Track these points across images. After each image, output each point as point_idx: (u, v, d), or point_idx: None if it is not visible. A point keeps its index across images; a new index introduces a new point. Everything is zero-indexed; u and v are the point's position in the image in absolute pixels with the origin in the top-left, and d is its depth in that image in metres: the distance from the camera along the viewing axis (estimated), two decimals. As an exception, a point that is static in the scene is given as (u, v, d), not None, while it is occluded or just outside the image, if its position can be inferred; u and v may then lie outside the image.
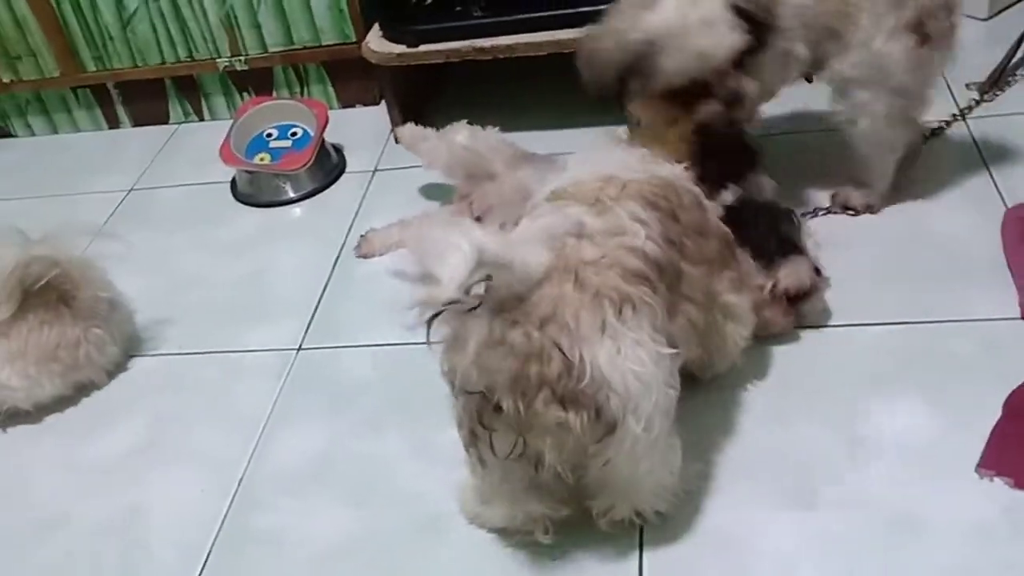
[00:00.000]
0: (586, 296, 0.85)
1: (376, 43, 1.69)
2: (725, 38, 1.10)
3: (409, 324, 0.79)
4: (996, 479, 0.99)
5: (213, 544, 1.10)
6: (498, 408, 0.83)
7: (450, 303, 0.77)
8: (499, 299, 0.81)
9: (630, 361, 0.83)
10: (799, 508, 1.00)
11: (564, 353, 0.82)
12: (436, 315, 0.79)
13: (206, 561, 1.08)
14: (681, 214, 0.99)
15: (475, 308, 0.79)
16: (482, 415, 0.85)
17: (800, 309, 1.19)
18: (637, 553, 0.99)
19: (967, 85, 1.61)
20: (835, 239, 1.30)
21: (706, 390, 1.13)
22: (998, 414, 1.05)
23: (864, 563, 0.94)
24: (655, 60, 1.11)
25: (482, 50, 1.60)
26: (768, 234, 1.16)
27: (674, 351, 0.89)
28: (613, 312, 0.84)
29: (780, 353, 1.19)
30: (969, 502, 0.97)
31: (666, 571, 0.97)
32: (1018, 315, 1.17)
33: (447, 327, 0.82)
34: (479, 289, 0.79)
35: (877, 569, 0.93)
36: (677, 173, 1.05)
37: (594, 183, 0.98)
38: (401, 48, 1.65)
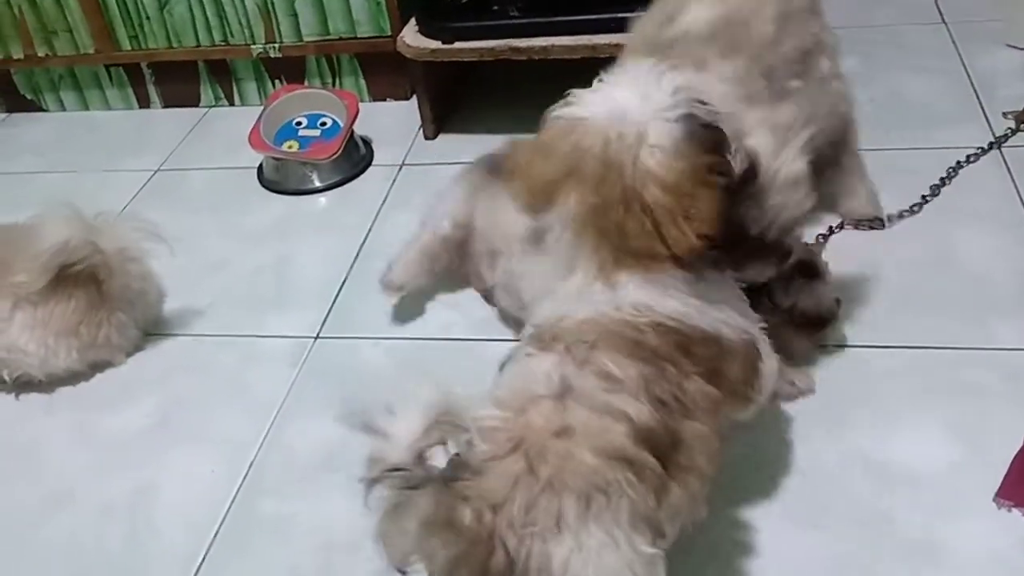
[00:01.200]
0: (540, 484, 0.72)
1: (411, 38, 1.69)
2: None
3: (358, 477, 0.71)
4: (1014, 510, 0.98)
5: (220, 527, 1.10)
6: None
7: (396, 470, 0.69)
8: (456, 471, 0.71)
9: (592, 567, 0.71)
10: (815, 529, 0.99)
11: (507, 550, 0.71)
12: (377, 479, 0.70)
13: (212, 543, 1.09)
14: (693, 348, 0.82)
15: (420, 485, 0.69)
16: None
17: (819, 333, 1.17)
18: None
19: (1004, 114, 1.59)
20: (861, 262, 1.29)
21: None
22: (1018, 445, 1.04)
23: (877, 587, 0.93)
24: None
25: (517, 50, 1.60)
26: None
27: (656, 551, 0.75)
28: (577, 506, 0.71)
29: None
30: (985, 531, 0.96)
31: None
32: (1044, 347, 1.16)
33: (389, 493, 0.71)
34: (434, 453, 0.69)
35: (890, 594, 0.92)
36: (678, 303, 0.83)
37: (575, 322, 0.82)
38: (436, 44, 1.65)
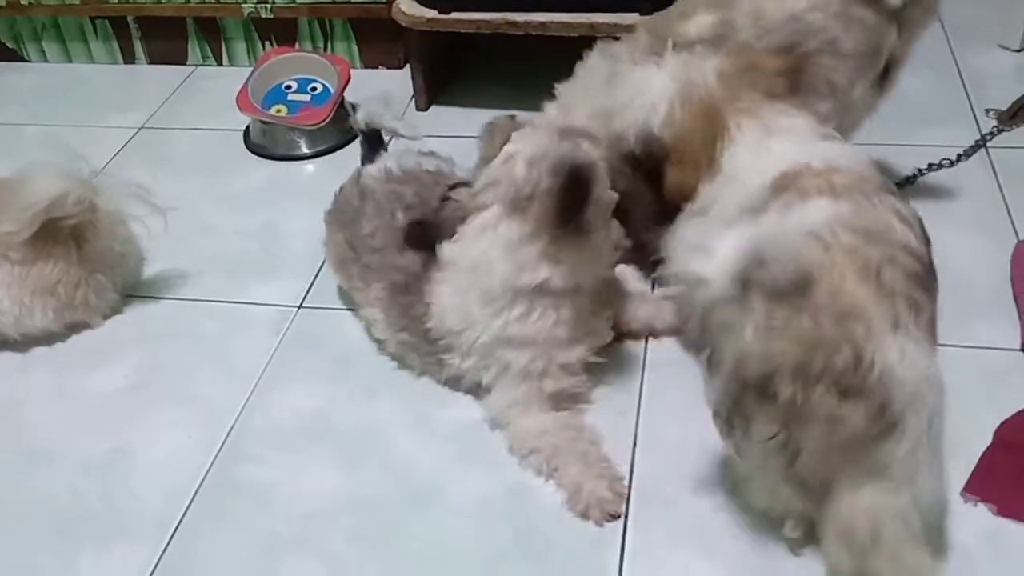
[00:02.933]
0: (882, 294, 0.86)
1: (407, 5, 1.67)
2: None
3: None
4: (980, 504, 1.00)
5: (197, 491, 1.10)
6: (766, 396, 0.81)
7: (722, 299, 0.80)
8: (776, 286, 0.82)
9: (918, 362, 0.84)
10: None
11: (858, 347, 0.81)
12: (706, 317, 0.83)
13: (188, 507, 1.09)
14: None
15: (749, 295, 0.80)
16: (743, 402, 0.83)
17: None
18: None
19: (987, 111, 1.61)
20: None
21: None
22: (988, 441, 1.06)
23: None
24: None
25: (514, 24, 1.59)
26: None
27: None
28: (906, 313, 0.86)
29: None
30: (952, 525, 0.98)
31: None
32: (1018, 346, 1.18)
33: (718, 318, 0.82)
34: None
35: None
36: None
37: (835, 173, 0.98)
38: (432, 13, 1.63)
